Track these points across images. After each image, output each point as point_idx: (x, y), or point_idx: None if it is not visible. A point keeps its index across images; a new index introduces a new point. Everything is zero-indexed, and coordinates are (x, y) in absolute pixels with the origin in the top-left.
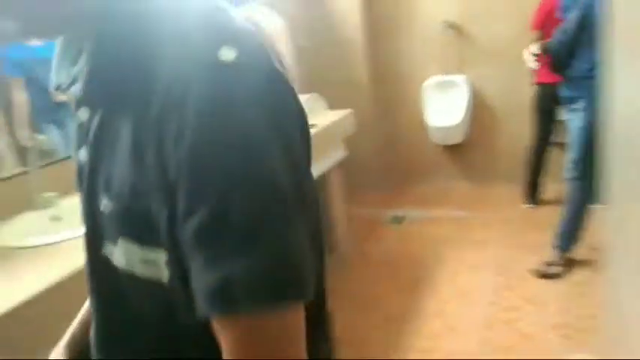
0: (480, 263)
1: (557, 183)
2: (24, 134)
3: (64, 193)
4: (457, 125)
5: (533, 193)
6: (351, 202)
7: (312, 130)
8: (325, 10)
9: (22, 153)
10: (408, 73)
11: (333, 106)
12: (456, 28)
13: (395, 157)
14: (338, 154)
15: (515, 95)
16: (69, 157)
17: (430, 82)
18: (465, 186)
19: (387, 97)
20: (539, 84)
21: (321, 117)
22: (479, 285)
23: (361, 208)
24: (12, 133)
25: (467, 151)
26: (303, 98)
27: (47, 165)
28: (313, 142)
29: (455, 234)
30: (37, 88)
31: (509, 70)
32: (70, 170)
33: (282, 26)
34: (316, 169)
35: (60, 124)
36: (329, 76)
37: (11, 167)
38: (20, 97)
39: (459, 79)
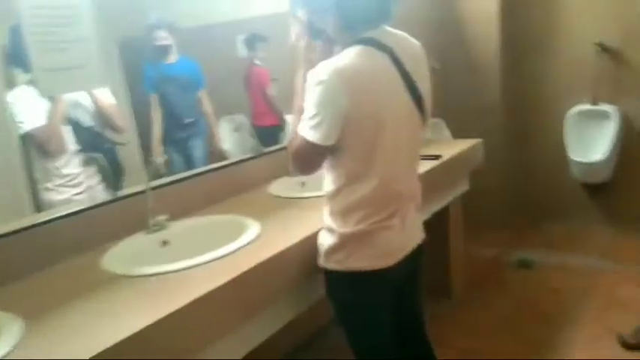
0: (623, 330)
1: None
2: (156, 151)
3: (175, 216)
4: (603, 161)
5: None
6: (472, 240)
7: (437, 162)
8: (459, 27)
9: (149, 170)
10: (550, 100)
11: (461, 133)
12: (611, 52)
13: (526, 193)
14: (461, 187)
15: None
16: (182, 180)
17: (575, 111)
18: (608, 231)
19: (521, 125)
20: None
21: (446, 146)
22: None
23: (483, 248)
24: (145, 148)
25: (612, 192)
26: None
27: (162, 186)
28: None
29: (593, 288)
30: (167, 106)
31: None
32: (180, 194)
33: (420, 48)
34: (436, 203)
35: (181, 145)
36: (459, 101)
37: (132, 185)
38: (156, 114)
39: (610, 109)
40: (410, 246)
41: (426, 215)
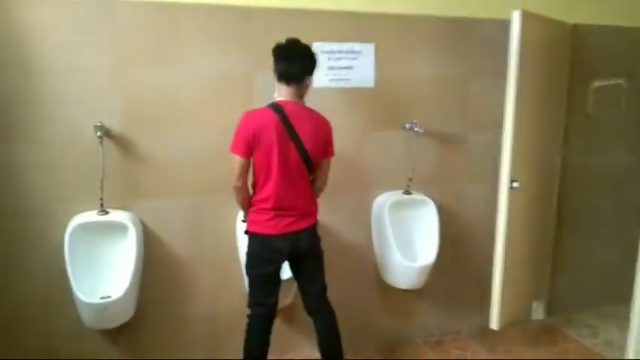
0: None
1: None
2: None
3: None
4: (122, 298)
5: None
6: None
7: None
8: None
9: None
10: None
11: None
12: (116, 138)
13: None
14: None
15: None
16: None
17: (77, 223)
18: None
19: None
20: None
21: None
22: None
23: None
24: None
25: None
26: None
27: None
28: None
29: None
30: None
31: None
32: None
33: None
34: None
35: None
36: None
37: None
38: None
39: (124, 217)
40: None
41: None
